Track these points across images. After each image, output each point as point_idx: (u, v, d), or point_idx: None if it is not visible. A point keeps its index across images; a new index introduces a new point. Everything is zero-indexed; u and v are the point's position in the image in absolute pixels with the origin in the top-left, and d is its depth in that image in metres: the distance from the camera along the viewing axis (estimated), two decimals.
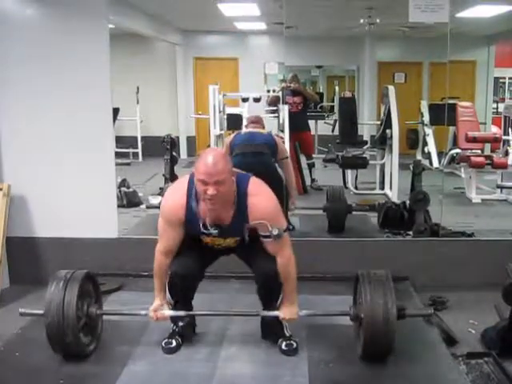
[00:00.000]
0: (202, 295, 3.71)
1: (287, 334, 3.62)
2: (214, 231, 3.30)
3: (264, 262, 3.39)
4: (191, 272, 3.47)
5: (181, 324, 3.66)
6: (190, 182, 3.25)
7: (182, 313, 3.56)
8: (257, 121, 5.59)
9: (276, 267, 3.36)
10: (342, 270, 4.66)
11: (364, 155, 7.78)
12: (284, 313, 3.45)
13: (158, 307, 3.48)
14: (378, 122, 8.37)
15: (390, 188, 7.34)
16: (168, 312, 3.52)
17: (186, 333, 3.68)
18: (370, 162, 7.60)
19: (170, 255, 3.41)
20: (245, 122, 5.99)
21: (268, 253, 3.37)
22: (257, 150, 5.18)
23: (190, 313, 3.61)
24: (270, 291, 3.52)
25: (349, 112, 9.13)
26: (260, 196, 3.26)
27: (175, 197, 3.32)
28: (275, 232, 3.21)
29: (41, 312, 3.40)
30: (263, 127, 5.67)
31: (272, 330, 3.66)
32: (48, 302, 3.39)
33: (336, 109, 9.98)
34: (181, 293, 3.56)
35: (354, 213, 6.14)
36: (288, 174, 5.37)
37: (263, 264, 3.41)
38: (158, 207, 3.75)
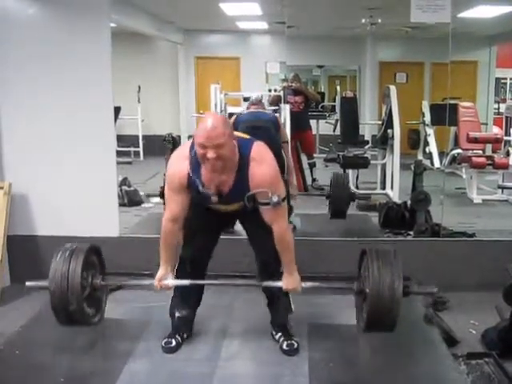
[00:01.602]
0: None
1: (290, 332, 3.65)
2: (214, 197, 3.26)
3: (264, 247, 3.44)
4: (199, 255, 3.55)
5: (178, 315, 3.65)
6: (191, 148, 3.21)
7: (186, 282, 3.52)
8: (258, 102, 5.58)
9: (275, 253, 3.38)
10: (343, 270, 4.65)
11: (365, 155, 7.77)
12: (286, 284, 3.42)
13: (163, 276, 3.44)
14: (380, 122, 8.36)
15: (391, 188, 7.33)
16: (172, 282, 3.48)
17: (182, 327, 3.67)
18: (372, 161, 7.58)
19: (177, 222, 3.36)
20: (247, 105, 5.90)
21: (268, 236, 3.35)
22: (263, 125, 5.12)
23: (195, 281, 3.55)
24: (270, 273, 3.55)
25: (350, 112, 9.13)
26: (262, 163, 3.21)
27: (177, 164, 3.28)
28: (275, 199, 3.17)
29: (46, 284, 3.41)
30: (264, 109, 5.66)
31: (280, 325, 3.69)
32: (53, 271, 3.39)
33: (337, 108, 9.96)
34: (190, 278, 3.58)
35: (355, 213, 6.14)
36: (287, 159, 5.34)
37: (263, 249, 3.48)
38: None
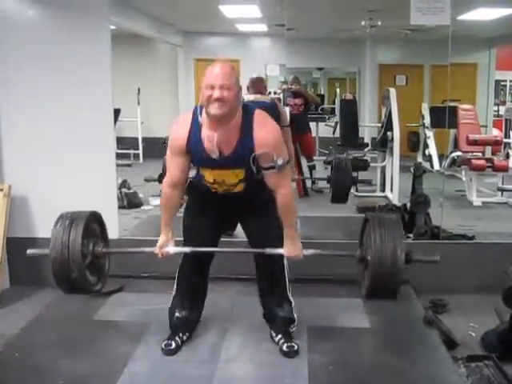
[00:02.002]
0: None
1: (293, 329, 3.66)
2: (215, 156, 3.20)
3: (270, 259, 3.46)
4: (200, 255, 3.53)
5: (177, 315, 3.64)
6: (195, 111, 3.25)
7: (187, 249, 3.48)
8: (258, 83, 5.57)
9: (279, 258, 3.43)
10: (343, 272, 4.66)
11: (365, 157, 7.78)
12: (288, 251, 3.38)
13: (164, 244, 3.42)
14: (379, 125, 8.38)
15: (391, 190, 7.35)
16: (173, 249, 3.44)
17: (181, 327, 3.66)
18: (371, 164, 7.58)
19: (176, 187, 3.35)
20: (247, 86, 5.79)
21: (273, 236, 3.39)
22: None
23: (196, 249, 3.47)
24: (272, 276, 3.57)
25: (350, 114, 9.14)
26: (266, 125, 3.21)
27: (179, 127, 3.29)
28: (279, 162, 3.15)
29: (47, 251, 3.40)
30: (266, 89, 5.63)
31: (280, 323, 3.68)
32: (53, 238, 3.39)
33: (337, 111, 9.98)
34: (192, 279, 3.60)
35: (354, 215, 6.13)
36: (287, 143, 5.30)
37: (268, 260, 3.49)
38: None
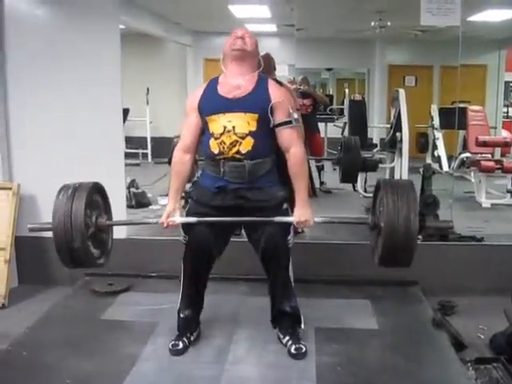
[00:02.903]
0: (208, 297, 3.71)
1: (302, 328, 3.64)
2: (230, 95, 3.31)
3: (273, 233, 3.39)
4: (206, 243, 3.44)
5: (181, 316, 3.63)
6: (212, 78, 3.46)
7: (193, 219, 3.41)
8: (266, 67, 5.54)
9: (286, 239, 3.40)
10: (351, 273, 4.66)
11: (374, 158, 7.76)
12: (298, 215, 3.35)
13: (170, 213, 3.41)
14: (388, 125, 8.36)
15: None
16: (179, 219, 3.41)
17: (186, 328, 3.64)
18: (380, 165, 7.57)
19: (188, 152, 3.42)
20: None
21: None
22: None
23: (203, 219, 3.40)
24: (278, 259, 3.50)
25: (359, 115, 9.12)
26: (279, 88, 3.46)
27: (194, 92, 3.52)
28: (295, 115, 3.27)
29: (49, 225, 3.35)
30: (274, 69, 5.75)
31: (288, 323, 3.64)
32: (55, 209, 3.33)
33: (346, 111, 9.96)
34: (193, 271, 3.55)
35: (363, 216, 6.09)
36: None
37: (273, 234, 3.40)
38: None
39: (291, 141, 3.31)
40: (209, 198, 3.45)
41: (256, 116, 3.29)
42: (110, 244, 3.68)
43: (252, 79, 3.36)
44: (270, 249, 3.45)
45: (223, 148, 3.33)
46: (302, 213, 3.36)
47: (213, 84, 3.41)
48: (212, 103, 3.33)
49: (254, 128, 3.30)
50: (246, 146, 3.32)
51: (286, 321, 3.65)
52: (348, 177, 5.78)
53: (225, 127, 3.31)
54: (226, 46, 3.35)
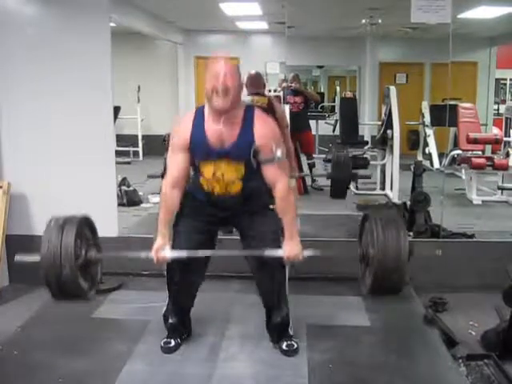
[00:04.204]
0: (201, 295, 3.68)
1: (291, 333, 3.61)
2: (217, 147, 3.23)
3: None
4: (188, 264, 3.39)
5: (170, 321, 3.63)
6: (198, 109, 3.32)
7: (184, 253, 3.33)
8: (256, 83, 5.53)
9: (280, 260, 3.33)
10: (343, 270, 4.65)
11: (365, 155, 7.77)
12: (288, 250, 3.30)
13: (160, 247, 3.33)
14: (379, 123, 8.36)
15: (391, 188, 7.32)
16: (169, 253, 3.33)
17: (175, 332, 3.64)
18: (371, 162, 7.57)
19: (176, 187, 3.34)
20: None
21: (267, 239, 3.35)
22: None
23: (193, 253, 3.34)
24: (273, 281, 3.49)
25: (350, 112, 9.13)
26: (266, 121, 3.30)
27: (183, 120, 3.36)
28: (278, 153, 3.19)
29: (37, 258, 3.27)
30: (264, 86, 5.64)
31: (277, 329, 3.62)
32: (45, 241, 3.26)
33: (337, 109, 9.98)
34: (177, 288, 3.53)
35: (354, 213, 6.12)
36: (286, 143, 5.27)
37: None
38: None
39: (275, 177, 3.28)
40: (202, 208, 3.47)
41: (242, 164, 3.29)
42: (99, 278, 3.59)
43: (237, 119, 3.24)
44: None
45: (213, 189, 3.37)
46: (290, 248, 3.32)
47: (199, 121, 3.27)
48: (202, 150, 3.27)
49: (241, 174, 3.31)
50: (236, 188, 3.35)
51: (275, 328, 3.64)
52: (338, 192, 5.81)
53: (214, 173, 3.32)
54: (207, 87, 3.12)
